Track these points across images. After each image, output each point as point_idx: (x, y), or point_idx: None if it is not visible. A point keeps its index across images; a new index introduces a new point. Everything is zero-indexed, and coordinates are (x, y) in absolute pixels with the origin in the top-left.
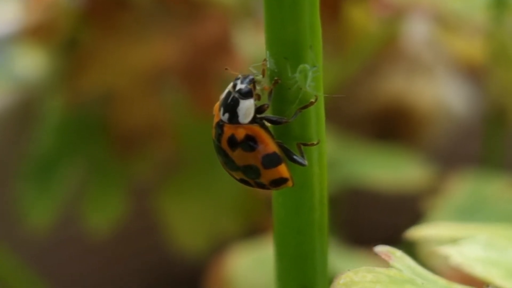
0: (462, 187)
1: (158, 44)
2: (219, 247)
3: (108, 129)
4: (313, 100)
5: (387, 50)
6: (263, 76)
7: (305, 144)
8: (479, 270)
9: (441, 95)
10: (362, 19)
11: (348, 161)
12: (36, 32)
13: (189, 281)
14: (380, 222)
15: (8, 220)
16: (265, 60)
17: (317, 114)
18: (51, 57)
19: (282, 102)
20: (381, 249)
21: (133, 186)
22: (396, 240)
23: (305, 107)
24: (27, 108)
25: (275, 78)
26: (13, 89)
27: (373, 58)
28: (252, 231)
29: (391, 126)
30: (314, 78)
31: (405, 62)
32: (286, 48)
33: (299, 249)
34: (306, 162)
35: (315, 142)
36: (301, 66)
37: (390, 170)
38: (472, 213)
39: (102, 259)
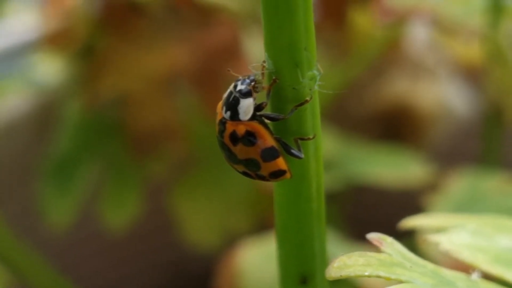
0: (461, 183)
1: (170, 50)
2: (231, 242)
3: (123, 131)
4: (308, 98)
5: (391, 54)
6: (262, 76)
7: (301, 139)
8: (466, 256)
9: (443, 96)
10: (366, 25)
11: (353, 159)
12: (55, 39)
13: (203, 276)
14: (384, 218)
15: (30, 219)
16: (264, 61)
17: (313, 111)
18: (69, 63)
19: (280, 100)
20: (373, 235)
21: (148, 186)
22: (399, 234)
23: (301, 104)
24: (47, 112)
25: (273, 77)
26: (33, 94)
27: (377, 61)
28: (262, 226)
29: (395, 127)
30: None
31: (408, 65)
32: (282, 50)
33: (298, 236)
34: (302, 155)
35: (311, 137)
36: (310, 73)
37: (392, 168)
38: (469, 208)
39: (120, 256)
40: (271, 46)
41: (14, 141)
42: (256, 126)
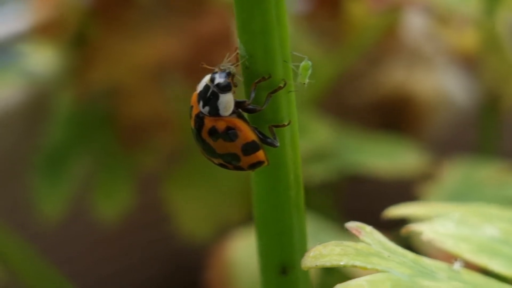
0: (456, 173)
1: (161, 40)
2: (224, 233)
3: (115, 122)
4: (281, 85)
5: (387, 43)
6: (236, 66)
7: (276, 126)
8: (449, 245)
9: (440, 85)
10: (360, 13)
11: (348, 149)
12: (46, 30)
13: (197, 268)
14: (379, 208)
15: (22, 212)
16: (237, 48)
17: (288, 97)
18: (60, 54)
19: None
20: (351, 224)
21: (140, 178)
22: (393, 224)
23: (275, 91)
24: (38, 103)
25: (264, 76)
26: (25, 85)
27: (373, 50)
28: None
29: (392, 116)
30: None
31: (404, 54)
32: (254, 37)
33: (277, 226)
34: (278, 144)
35: (286, 123)
36: (305, 64)
37: (388, 158)
38: (464, 197)
39: (113, 250)
40: (243, 32)
41: (5, 132)
42: (237, 122)
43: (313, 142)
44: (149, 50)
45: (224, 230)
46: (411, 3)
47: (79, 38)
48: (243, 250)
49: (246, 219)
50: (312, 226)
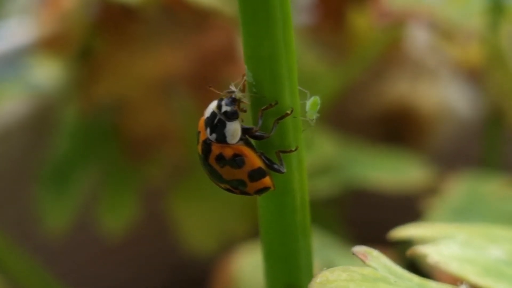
0: (460, 187)
1: (166, 54)
2: (228, 247)
3: (120, 135)
4: (288, 111)
5: (391, 56)
6: (243, 90)
7: (284, 152)
8: (454, 268)
9: (444, 98)
10: (365, 26)
11: (352, 163)
12: (51, 43)
13: (201, 281)
14: (383, 222)
15: (26, 224)
16: (244, 74)
17: (294, 123)
18: (65, 67)
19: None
20: (358, 249)
21: (145, 190)
22: (399, 239)
23: (282, 118)
24: (44, 116)
25: (271, 102)
26: (30, 98)
27: (377, 63)
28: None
29: (396, 129)
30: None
31: (408, 67)
32: (262, 63)
33: (283, 249)
34: (284, 170)
35: (293, 149)
36: (315, 99)
37: (392, 172)
38: (468, 211)
39: (117, 262)
40: (250, 58)
41: (10, 145)
42: (244, 149)
43: (317, 155)
44: (155, 64)
45: (228, 244)
46: (415, 17)
47: (85, 52)
48: (247, 265)
49: (251, 233)
50: (316, 241)
